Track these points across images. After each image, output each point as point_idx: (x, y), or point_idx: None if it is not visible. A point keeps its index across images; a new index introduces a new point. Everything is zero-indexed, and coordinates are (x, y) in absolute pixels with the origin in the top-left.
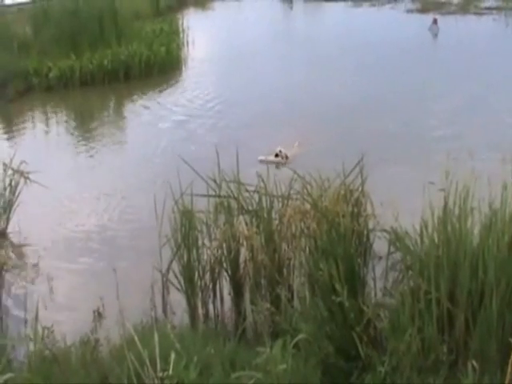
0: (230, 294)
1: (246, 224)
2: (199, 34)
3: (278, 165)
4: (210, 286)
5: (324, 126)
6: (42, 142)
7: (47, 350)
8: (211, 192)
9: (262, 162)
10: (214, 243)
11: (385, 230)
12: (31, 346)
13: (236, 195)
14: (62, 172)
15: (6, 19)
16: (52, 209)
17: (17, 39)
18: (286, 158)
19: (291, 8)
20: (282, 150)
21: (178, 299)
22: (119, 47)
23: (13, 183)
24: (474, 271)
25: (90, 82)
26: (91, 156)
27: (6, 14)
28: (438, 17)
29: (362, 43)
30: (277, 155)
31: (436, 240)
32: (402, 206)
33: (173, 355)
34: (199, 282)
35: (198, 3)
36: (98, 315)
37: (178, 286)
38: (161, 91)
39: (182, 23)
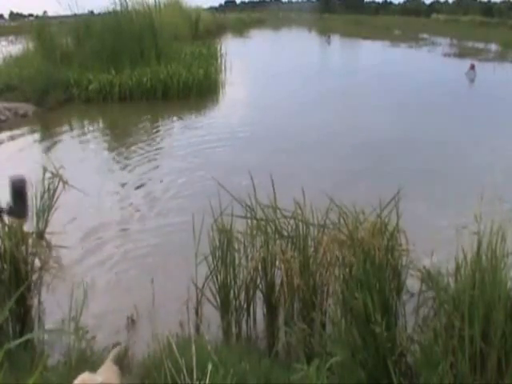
0: (263, 314)
1: (282, 248)
2: (236, 59)
3: None
4: (245, 306)
5: (356, 161)
6: (79, 150)
7: (83, 349)
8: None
9: None
10: (251, 264)
11: (418, 270)
12: (68, 345)
13: (273, 219)
14: (97, 180)
15: (50, 30)
16: (87, 214)
17: (60, 50)
18: None
19: (329, 43)
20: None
21: (212, 315)
22: (158, 66)
23: (51, 187)
24: (508, 313)
25: (129, 97)
26: (125, 167)
27: (49, 26)
28: (475, 63)
29: (396, 83)
30: None
31: (469, 281)
32: (434, 245)
33: (210, 366)
34: (234, 301)
35: (235, 30)
36: (132, 322)
37: (214, 303)
38: (197, 114)
39: (220, 48)
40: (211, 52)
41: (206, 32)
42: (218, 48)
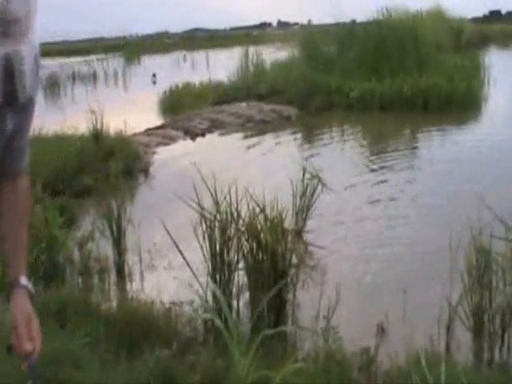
0: None
1: None
2: (500, 74)
3: None
4: (499, 332)
5: None
6: (337, 155)
7: (332, 349)
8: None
9: None
10: (508, 289)
11: None
12: (317, 342)
13: None
14: (353, 185)
15: (314, 38)
16: (343, 218)
17: (322, 57)
18: None
19: None
20: None
21: (463, 336)
22: (419, 77)
23: (310, 188)
24: None
25: (388, 106)
26: (380, 175)
27: (313, 34)
28: None
29: None
30: None
31: None
32: None
33: None
34: (488, 325)
35: (501, 41)
36: (381, 330)
37: (466, 323)
38: (458, 128)
39: (484, 61)
40: (474, 64)
41: (468, 43)
42: (482, 60)
